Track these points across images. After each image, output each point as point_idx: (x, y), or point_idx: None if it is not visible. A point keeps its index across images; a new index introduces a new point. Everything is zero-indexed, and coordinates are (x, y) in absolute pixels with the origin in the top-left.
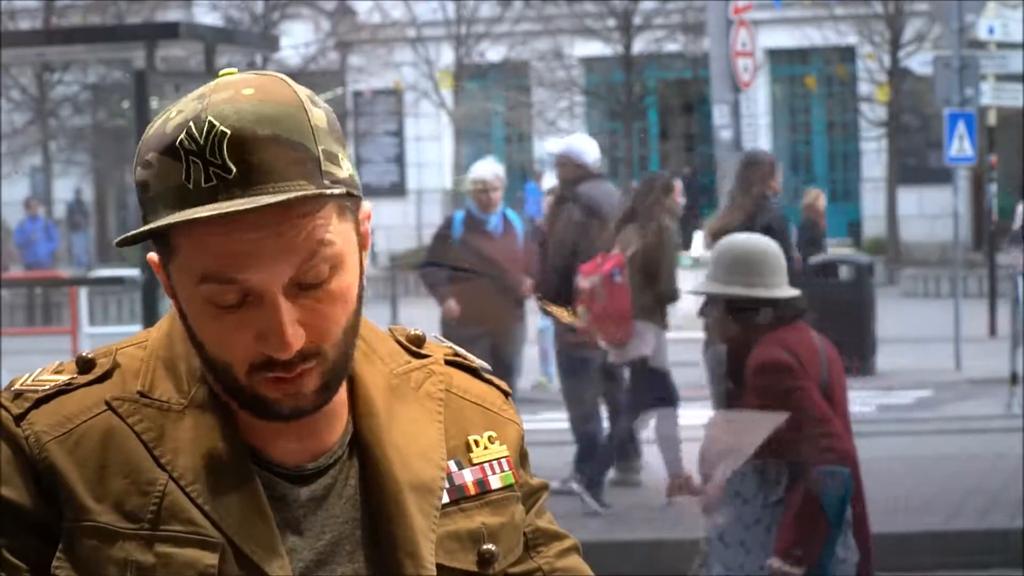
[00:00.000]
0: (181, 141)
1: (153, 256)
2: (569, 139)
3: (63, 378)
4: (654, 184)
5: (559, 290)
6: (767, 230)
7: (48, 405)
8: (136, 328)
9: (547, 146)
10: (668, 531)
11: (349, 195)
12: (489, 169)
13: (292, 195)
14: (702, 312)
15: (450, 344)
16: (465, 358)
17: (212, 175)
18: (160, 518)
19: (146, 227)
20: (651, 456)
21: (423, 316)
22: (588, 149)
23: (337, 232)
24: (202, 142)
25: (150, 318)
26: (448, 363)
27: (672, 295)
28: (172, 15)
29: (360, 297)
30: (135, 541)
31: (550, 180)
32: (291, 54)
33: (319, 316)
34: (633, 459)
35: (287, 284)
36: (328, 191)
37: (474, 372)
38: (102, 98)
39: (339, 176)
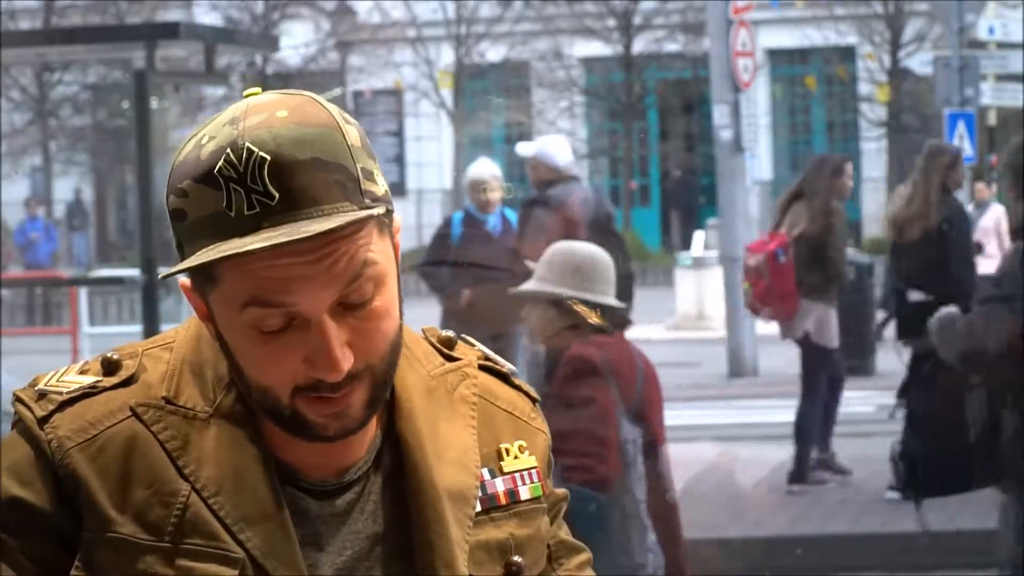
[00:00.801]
0: (220, 168)
1: (186, 282)
2: (541, 141)
3: (88, 380)
4: (824, 165)
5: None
6: (947, 223)
7: (72, 408)
8: (136, 328)
9: (519, 148)
10: None
11: (387, 211)
12: (486, 169)
13: (341, 221)
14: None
15: (480, 347)
16: (495, 362)
17: (255, 202)
18: (182, 531)
19: (195, 262)
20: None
21: (423, 316)
22: (560, 151)
23: (379, 250)
24: (242, 169)
25: (150, 318)
26: (479, 367)
27: (840, 275)
28: (172, 15)
29: (401, 311)
30: (155, 554)
31: None
32: (291, 54)
33: (365, 335)
34: None
35: (333, 305)
36: (373, 212)
37: (504, 377)
38: (102, 98)
39: (378, 194)
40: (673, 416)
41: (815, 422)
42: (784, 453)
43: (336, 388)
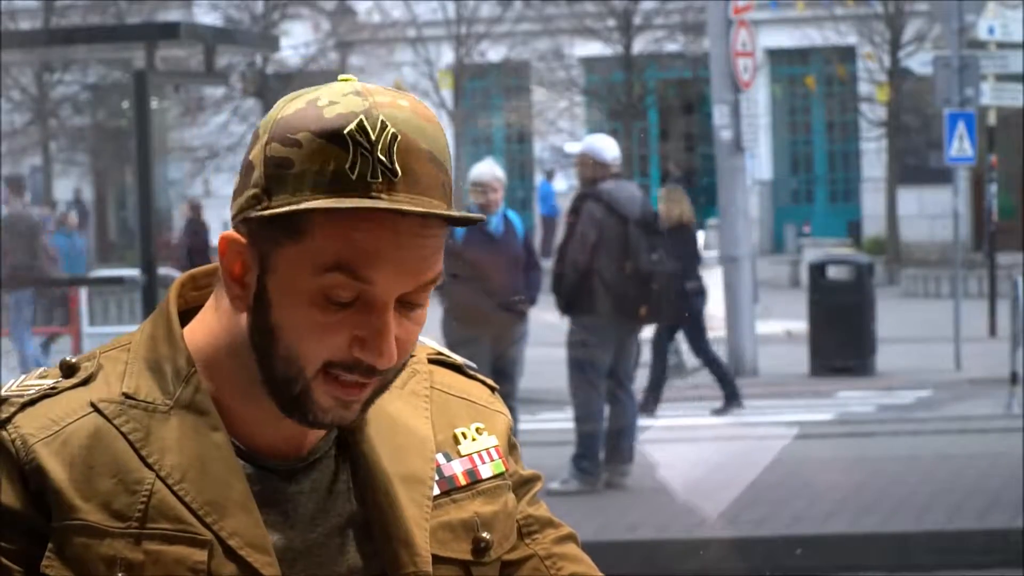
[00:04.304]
0: (352, 131)
1: (232, 234)
2: (589, 138)
3: (47, 383)
4: None
5: (579, 285)
6: None
7: (33, 408)
8: (136, 328)
9: (567, 147)
10: (668, 531)
11: None
12: (488, 170)
13: (459, 213)
14: None
15: (432, 343)
16: (448, 356)
17: (379, 172)
18: (148, 516)
19: (345, 204)
20: (650, 456)
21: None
22: (607, 148)
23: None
24: (374, 137)
25: None
26: (431, 361)
27: None
28: (172, 15)
29: None
30: (124, 539)
31: (560, 180)
32: (291, 54)
33: (403, 337)
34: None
35: (399, 296)
36: (474, 216)
37: (458, 369)
38: (102, 98)
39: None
40: (673, 416)
41: None
42: (783, 452)
43: (370, 375)
